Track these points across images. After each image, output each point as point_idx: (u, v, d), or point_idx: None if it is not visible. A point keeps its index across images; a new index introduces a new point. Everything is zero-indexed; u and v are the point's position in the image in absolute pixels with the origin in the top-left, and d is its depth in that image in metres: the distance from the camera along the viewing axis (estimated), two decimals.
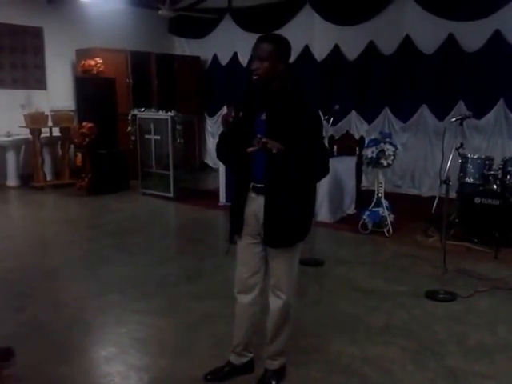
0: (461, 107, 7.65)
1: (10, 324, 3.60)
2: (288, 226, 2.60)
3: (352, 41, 8.69)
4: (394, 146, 5.80)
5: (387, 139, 5.79)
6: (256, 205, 2.63)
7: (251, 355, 2.95)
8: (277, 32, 9.37)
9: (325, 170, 2.65)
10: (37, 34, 9.35)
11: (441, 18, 7.63)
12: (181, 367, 3.05)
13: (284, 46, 2.60)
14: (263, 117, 2.56)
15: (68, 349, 3.28)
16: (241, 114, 2.54)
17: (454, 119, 4.46)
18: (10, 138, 8.78)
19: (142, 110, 8.41)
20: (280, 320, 2.77)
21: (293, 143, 2.45)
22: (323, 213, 6.47)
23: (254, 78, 2.55)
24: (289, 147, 2.44)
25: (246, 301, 2.78)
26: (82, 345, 3.37)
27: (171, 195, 8.01)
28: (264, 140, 2.41)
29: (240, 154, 2.61)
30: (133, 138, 8.45)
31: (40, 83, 9.48)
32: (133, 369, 3.05)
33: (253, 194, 2.64)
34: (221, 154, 2.80)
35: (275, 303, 2.74)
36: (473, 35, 7.51)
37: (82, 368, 3.09)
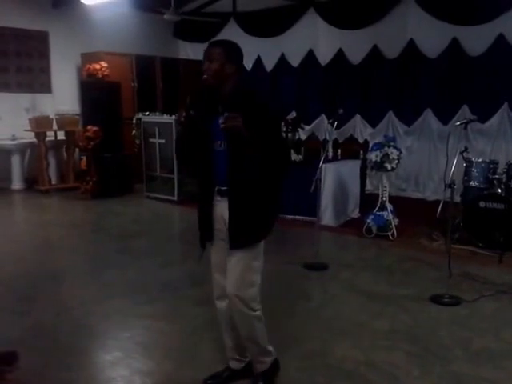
0: (465, 111, 7.64)
1: (15, 328, 3.60)
2: (250, 227, 2.58)
3: (356, 45, 8.69)
4: (398, 149, 5.80)
5: (391, 143, 5.78)
6: (222, 207, 2.61)
7: (248, 359, 2.91)
8: (281, 36, 9.43)
9: (284, 166, 2.65)
10: (42, 37, 9.40)
11: (444, 22, 7.61)
12: (184, 371, 3.05)
13: (232, 48, 2.66)
14: (220, 120, 2.46)
15: (72, 353, 3.29)
16: (192, 112, 2.56)
17: (458, 123, 4.45)
18: (15, 142, 8.81)
19: (147, 113, 8.44)
20: (244, 326, 2.68)
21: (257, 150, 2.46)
22: (327, 216, 6.48)
23: (204, 77, 2.61)
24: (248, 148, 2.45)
25: (224, 306, 2.75)
26: (86, 349, 3.38)
27: (175, 199, 8.02)
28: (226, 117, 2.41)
29: (202, 156, 2.64)
30: (137, 142, 8.47)
31: (45, 87, 9.52)
32: (137, 373, 3.05)
33: (218, 197, 2.63)
34: (179, 154, 2.83)
35: (234, 309, 2.65)
36: (477, 39, 7.49)
37: (86, 372, 3.09)
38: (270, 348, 2.85)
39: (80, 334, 3.57)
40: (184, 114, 2.56)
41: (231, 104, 2.52)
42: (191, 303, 4.09)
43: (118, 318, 3.84)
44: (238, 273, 2.61)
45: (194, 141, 2.63)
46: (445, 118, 7.93)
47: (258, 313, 2.70)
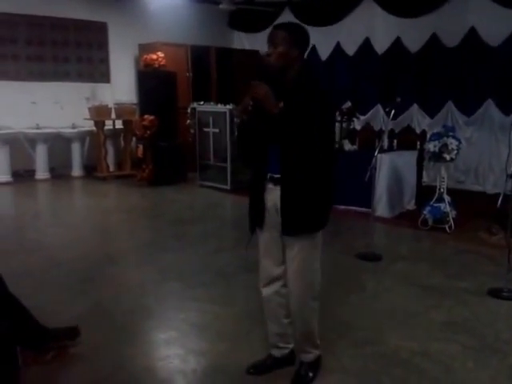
0: None
1: (76, 306, 3.75)
2: (303, 214, 2.55)
3: (414, 33, 8.49)
4: (458, 139, 5.63)
5: (450, 133, 5.63)
6: (275, 195, 2.57)
7: (291, 346, 2.90)
8: (337, 25, 9.25)
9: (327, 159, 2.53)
10: (101, 28, 9.67)
11: (508, 8, 7.31)
12: (238, 354, 3.08)
13: (299, 32, 2.56)
14: (281, 105, 2.45)
15: (130, 331, 3.40)
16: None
17: None
18: (75, 130, 9.13)
19: (202, 103, 8.55)
20: (300, 312, 2.71)
21: (308, 136, 2.39)
22: (382, 208, 6.38)
23: (267, 62, 2.50)
24: (303, 140, 2.39)
25: (271, 292, 2.74)
26: (142, 328, 3.47)
27: (228, 187, 8.10)
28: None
29: (258, 144, 2.59)
30: (192, 131, 8.60)
31: (104, 77, 9.81)
32: (191, 353, 3.12)
33: (270, 185, 2.59)
34: (242, 144, 2.76)
35: (293, 295, 2.69)
36: None
37: (143, 350, 3.19)
38: (318, 341, 2.85)
39: (137, 313, 3.68)
40: (251, 103, 2.45)
41: (294, 94, 2.48)
42: (245, 288, 4.13)
43: (173, 300, 3.94)
44: (299, 261, 2.63)
45: (257, 130, 2.56)
46: (507, 108, 7.65)
47: (316, 302, 2.74)
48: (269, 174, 2.59)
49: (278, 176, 2.55)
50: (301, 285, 2.66)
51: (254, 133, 2.58)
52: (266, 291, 2.78)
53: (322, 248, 2.73)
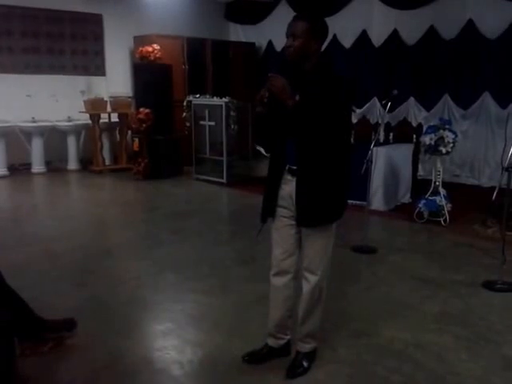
0: None
1: (73, 298, 3.76)
2: (319, 206, 2.59)
3: (411, 25, 8.47)
4: (454, 133, 5.64)
5: (447, 126, 5.64)
6: (292, 186, 2.61)
7: (288, 337, 2.93)
8: (334, 16, 9.20)
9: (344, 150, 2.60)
10: (97, 20, 9.61)
11: (506, 0, 7.31)
12: (234, 345, 3.10)
13: (320, 25, 2.55)
14: (297, 98, 2.47)
15: (127, 323, 3.41)
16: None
17: None
18: (71, 123, 9.10)
19: (197, 96, 8.52)
20: (310, 302, 2.76)
21: (325, 126, 2.44)
22: (377, 201, 6.39)
23: (287, 53, 2.52)
24: (321, 130, 2.44)
25: (281, 283, 2.78)
26: (139, 320, 3.49)
27: (224, 181, 8.11)
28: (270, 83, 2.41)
29: (276, 135, 2.64)
30: (187, 124, 8.57)
31: (99, 69, 9.77)
32: (188, 344, 3.14)
33: (288, 176, 2.62)
34: (261, 136, 2.83)
35: (306, 285, 2.74)
36: None
37: (140, 341, 3.21)
38: (318, 334, 2.89)
39: (133, 305, 3.70)
40: (267, 94, 2.45)
41: (311, 85, 2.49)
42: (241, 280, 4.16)
43: (170, 292, 3.96)
44: (314, 251, 2.69)
45: (274, 120, 2.58)
46: (504, 101, 7.65)
47: (324, 293, 2.79)
48: (287, 165, 2.62)
49: (296, 167, 2.59)
50: (313, 272, 2.70)
51: (271, 125, 2.62)
52: (276, 281, 2.80)
53: None
